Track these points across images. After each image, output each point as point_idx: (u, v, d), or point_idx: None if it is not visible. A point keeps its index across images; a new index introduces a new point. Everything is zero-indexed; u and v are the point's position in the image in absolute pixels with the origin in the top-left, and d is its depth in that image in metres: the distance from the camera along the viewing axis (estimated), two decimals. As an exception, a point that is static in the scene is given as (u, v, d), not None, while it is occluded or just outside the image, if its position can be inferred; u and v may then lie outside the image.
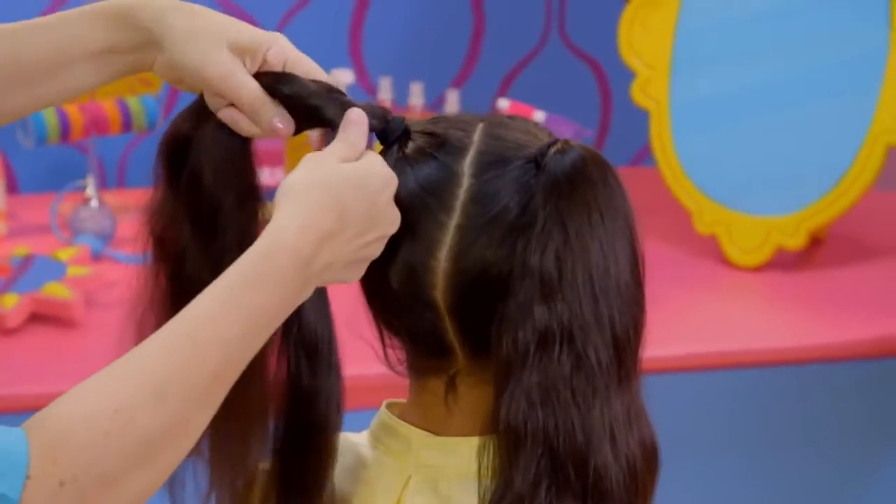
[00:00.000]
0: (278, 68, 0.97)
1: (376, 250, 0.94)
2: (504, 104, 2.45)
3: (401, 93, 2.58)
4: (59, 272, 2.06)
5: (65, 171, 2.54)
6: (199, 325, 0.86)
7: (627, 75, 2.44)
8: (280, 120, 0.97)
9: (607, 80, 2.87)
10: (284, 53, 0.97)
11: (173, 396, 0.84)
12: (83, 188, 2.33)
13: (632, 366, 0.95)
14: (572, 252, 0.93)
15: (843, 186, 2.26)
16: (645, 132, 2.43)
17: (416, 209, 0.96)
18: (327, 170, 0.92)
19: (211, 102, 0.98)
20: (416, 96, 2.56)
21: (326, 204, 0.90)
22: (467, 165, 0.96)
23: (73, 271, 2.07)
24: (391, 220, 0.94)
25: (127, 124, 2.37)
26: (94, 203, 2.31)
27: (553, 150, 0.95)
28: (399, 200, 0.96)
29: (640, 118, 2.45)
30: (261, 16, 2.69)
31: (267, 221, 0.97)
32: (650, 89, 2.41)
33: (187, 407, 0.85)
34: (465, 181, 0.96)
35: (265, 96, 0.96)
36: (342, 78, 2.43)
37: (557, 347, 0.92)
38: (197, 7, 0.99)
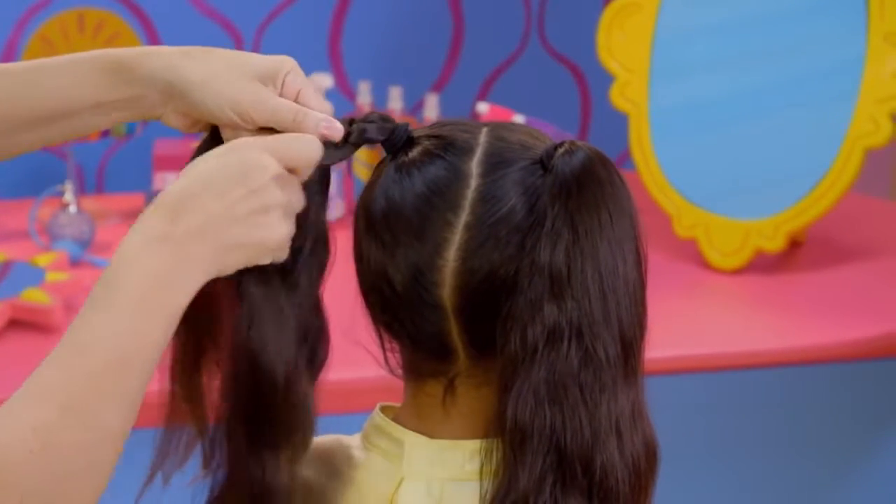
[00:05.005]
0: (294, 93, 0.99)
1: (266, 206, 0.92)
2: (483, 108, 2.45)
3: (379, 97, 2.58)
4: (37, 278, 2.05)
5: (43, 176, 2.54)
6: (83, 333, 0.88)
7: (607, 79, 2.45)
8: (327, 126, 0.98)
9: (587, 83, 2.87)
10: (301, 78, 0.99)
11: (79, 406, 0.86)
12: (62, 193, 2.32)
13: (637, 363, 0.96)
14: (582, 250, 0.94)
15: (821, 189, 2.27)
16: (624, 136, 2.43)
17: (422, 210, 0.97)
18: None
19: (228, 136, 0.99)
20: (395, 100, 2.56)
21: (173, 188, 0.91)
22: (475, 165, 0.97)
23: (51, 277, 2.07)
24: (263, 173, 0.92)
25: (105, 130, 2.37)
26: (72, 208, 2.30)
27: (560, 150, 0.96)
28: (405, 203, 0.97)
29: (620, 122, 2.45)
30: (240, 20, 2.68)
31: None
32: (629, 93, 2.41)
33: (97, 412, 0.86)
34: (474, 181, 0.97)
35: (305, 108, 0.98)
36: (321, 82, 2.43)
37: (566, 344, 0.93)
38: (205, 49, 1.00)
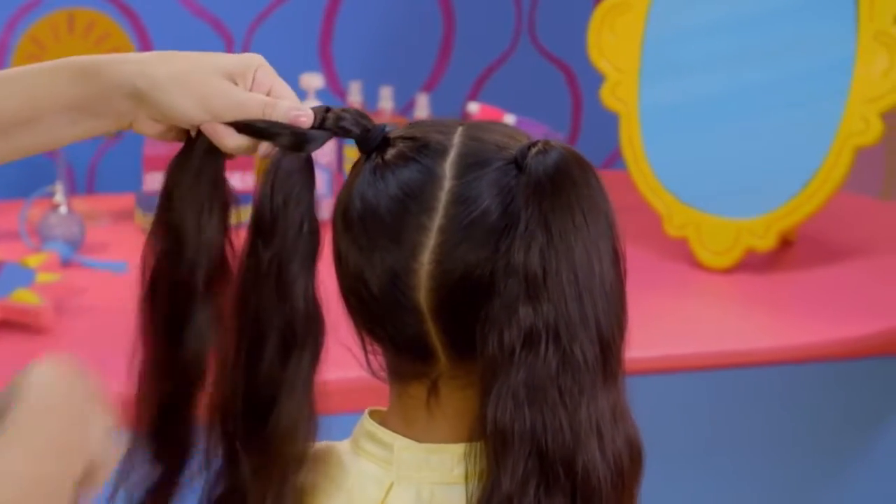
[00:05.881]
0: (266, 88, 0.99)
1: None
2: (474, 108, 2.45)
3: (370, 96, 2.58)
4: (28, 279, 2.05)
5: (33, 176, 2.53)
6: None
7: (597, 78, 2.45)
8: (297, 113, 0.98)
9: (577, 83, 2.87)
10: (271, 74, 1.00)
11: None
12: (52, 194, 2.32)
13: (616, 364, 0.95)
14: (556, 252, 0.93)
15: (812, 188, 2.27)
16: (615, 135, 2.43)
17: (396, 213, 0.96)
18: None
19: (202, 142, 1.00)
20: (386, 100, 2.56)
21: None
22: (448, 167, 0.96)
23: (42, 278, 2.06)
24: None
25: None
26: (62, 209, 2.30)
27: (534, 150, 0.95)
28: (380, 206, 0.96)
29: (611, 121, 2.45)
30: (231, 20, 2.68)
31: (243, 225, 0.99)
32: (620, 92, 2.41)
33: None
34: (447, 183, 0.96)
35: (273, 99, 0.98)
36: (312, 82, 2.43)
37: (543, 346, 0.93)
38: (171, 52, 1.00)
